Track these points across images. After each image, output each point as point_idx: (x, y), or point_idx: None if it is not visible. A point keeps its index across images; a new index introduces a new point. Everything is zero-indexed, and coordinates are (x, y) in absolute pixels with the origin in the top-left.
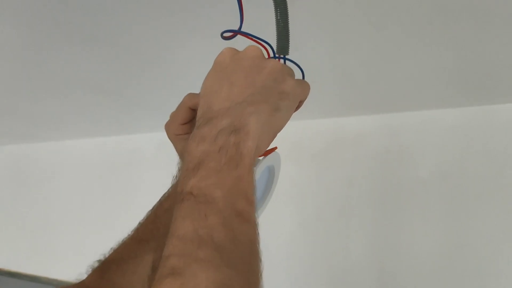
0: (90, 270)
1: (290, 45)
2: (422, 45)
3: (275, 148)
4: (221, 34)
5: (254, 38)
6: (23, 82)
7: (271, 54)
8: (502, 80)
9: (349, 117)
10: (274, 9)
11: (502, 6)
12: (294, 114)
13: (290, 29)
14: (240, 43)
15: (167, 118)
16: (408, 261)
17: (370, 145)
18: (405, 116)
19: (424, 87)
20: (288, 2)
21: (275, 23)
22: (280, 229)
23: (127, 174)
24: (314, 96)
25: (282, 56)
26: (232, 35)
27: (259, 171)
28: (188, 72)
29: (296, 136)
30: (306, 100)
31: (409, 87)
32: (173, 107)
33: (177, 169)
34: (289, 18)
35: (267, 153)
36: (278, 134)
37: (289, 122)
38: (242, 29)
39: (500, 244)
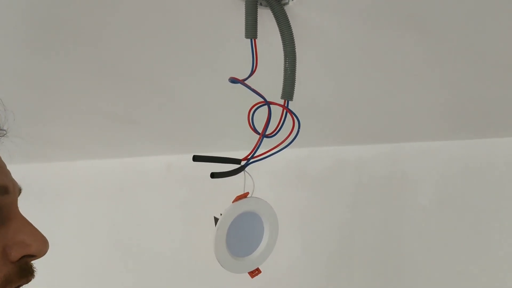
0: None
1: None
2: (422, 82)
3: (247, 193)
4: (229, 79)
5: (252, 91)
6: (37, 108)
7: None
8: (501, 115)
9: (351, 145)
10: (283, 57)
11: (497, 46)
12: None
13: (301, 68)
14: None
15: (174, 141)
16: (409, 283)
17: (372, 172)
18: (406, 146)
19: (425, 120)
20: (296, 46)
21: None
22: (283, 254)
23: (134, 195)
24: (318, 126)
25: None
26: (236, 81)
27: (230, 216)
28: (193, 100)
29: (301, 163)
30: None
31: (410, 120)
32: (179, 131)
33: None
34: (296, 67)
35: (237, 198)
36: (283, 161)
37: (294, 148)
38: (250, 79)
39: (500, 273)
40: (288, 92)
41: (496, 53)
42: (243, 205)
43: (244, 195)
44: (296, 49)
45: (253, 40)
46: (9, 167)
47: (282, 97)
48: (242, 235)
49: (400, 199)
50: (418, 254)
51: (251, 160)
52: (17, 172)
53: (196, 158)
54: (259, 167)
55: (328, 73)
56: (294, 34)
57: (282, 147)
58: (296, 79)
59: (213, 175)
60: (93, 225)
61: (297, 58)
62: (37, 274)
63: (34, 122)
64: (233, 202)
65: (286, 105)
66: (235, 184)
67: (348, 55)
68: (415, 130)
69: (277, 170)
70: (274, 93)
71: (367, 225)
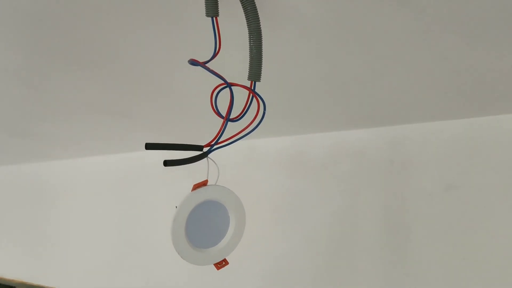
0: None
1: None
2: (411, 56)
3: (206, 181)
4: (188, 61)
5: (211, 73)
6: (35, 106)
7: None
8: (505, 91)
9: (351, 130)
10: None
11: (496, 18)
12: (296, 128)
13: (285, 50)
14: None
15: (172, 135)
16: (413, 270)
17: (374, 157)
18: (408, 128)
19: (425, 99)
20: (276, 27)
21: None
22: (282, 243)
23: (135, 189)
24: (315, 111)
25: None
26: (196, 63)
27: (188, 206)
28: (188, 93)
29: (299, 150)
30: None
31: (410, 100)
32: (176, 125)
33: None
34: (262, 46)
35: (195, 187)
36: (281, 148)
37: (291, 136)
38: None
39: (508, 255)
40: (254, 72)
41: (495, 22)
42: (203, 194)
43: (203, 183)
44: (262, 27)
45: (214, 18)
46: (11, 167)
47: (248, 78)
48: (204, 225)
49: (403, 183)
50: (423, 240)
51: (215, 147)
52: (19, 171)
53: (148, 146)
54: (258, 157)
55: (310, 52)
56: (265, 12)
57: (247, 131)
58: (263, 59)
59: (166, 163)
60: (97, 221)
61: (275, 38)
62: (44, 268)
63: (32, 121)
64: (191, 191)
65: (252, 87)
66: (241, 175)
67: (326, 30)
68: (416, 110)
69: (275, 159)
70: (244, 75)
71: (370, 211)
